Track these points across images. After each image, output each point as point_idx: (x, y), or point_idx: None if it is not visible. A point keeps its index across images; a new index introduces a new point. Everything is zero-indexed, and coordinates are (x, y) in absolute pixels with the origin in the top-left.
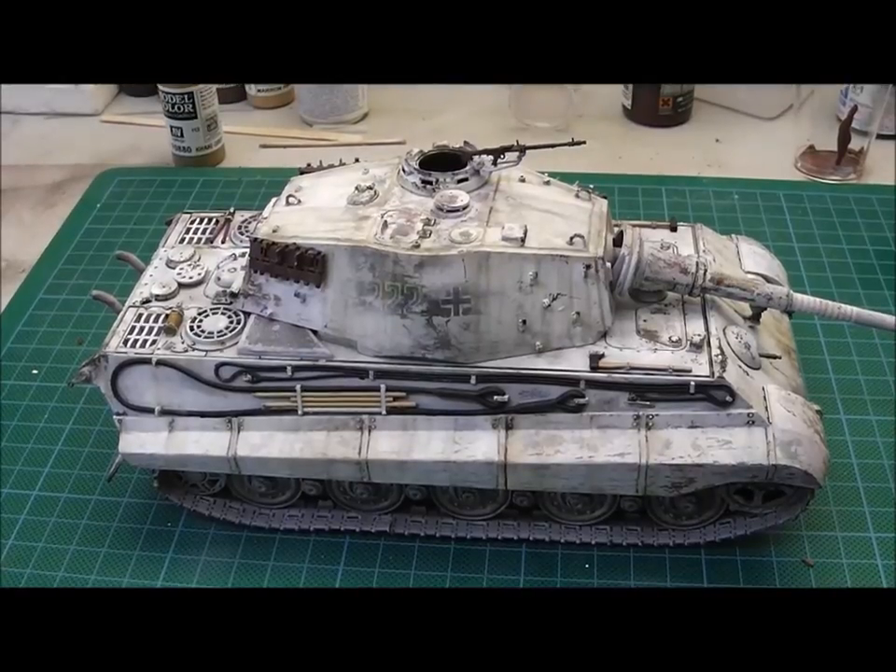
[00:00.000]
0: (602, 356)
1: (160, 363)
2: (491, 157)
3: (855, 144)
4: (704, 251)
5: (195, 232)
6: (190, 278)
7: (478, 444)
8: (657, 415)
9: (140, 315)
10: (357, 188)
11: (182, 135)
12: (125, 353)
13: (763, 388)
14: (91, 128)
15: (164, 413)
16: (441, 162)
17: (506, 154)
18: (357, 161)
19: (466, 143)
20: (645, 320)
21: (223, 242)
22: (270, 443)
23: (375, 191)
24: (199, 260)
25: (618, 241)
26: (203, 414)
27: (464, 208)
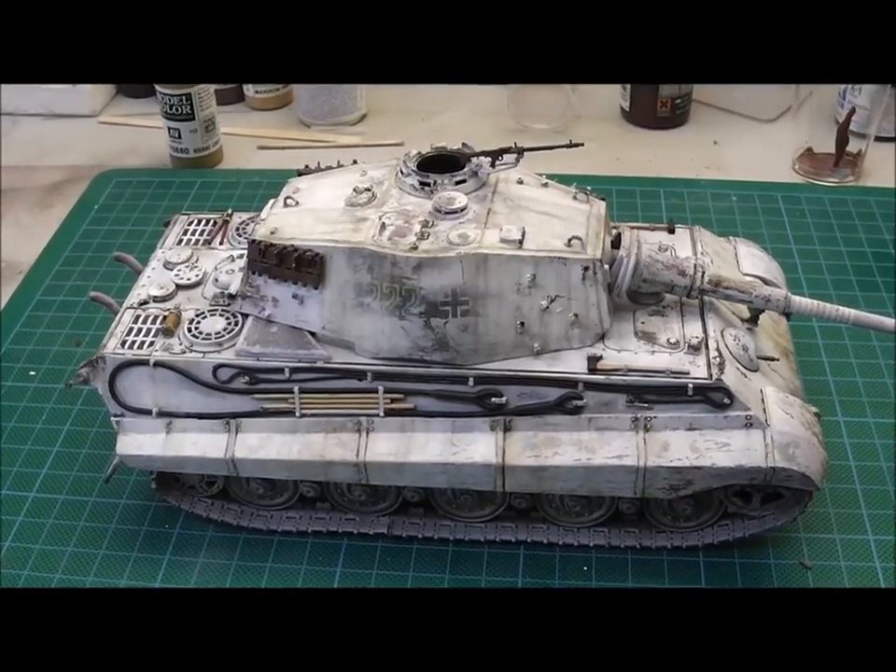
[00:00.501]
0: (600, 357)
1: (157, 364)
2: (489, 158)
3: (853, 146)
4: (702, 253)
5: (193, 234)
6: (188, 280)
7: (476, 446)
8: (655, 417)
9: (138, 317)
10: (355, 189)
11: (180, 137)
12: (123, 354)
13: (761, 390)
14: (89, 129)
15: (162, 414)
16: (440, 164)
17: (504, 156)
18: (355, 162)
19: (464, 144)
20: (643, 322)
21: (221, 243)
22: (268, 445)
23: (373, 193)
24: (197, 262)
25: (616, 243)
26: (200, 416)
27: (462, 210)
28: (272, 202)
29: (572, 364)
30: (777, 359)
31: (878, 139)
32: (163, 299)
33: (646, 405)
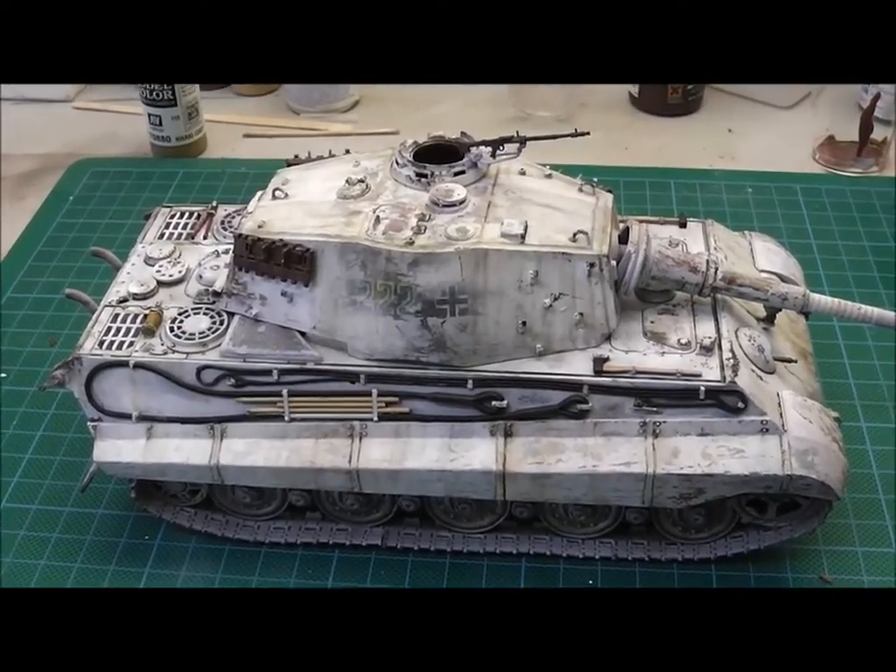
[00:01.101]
0: (606, 359)
1: (137, 366)
2: (489, 148)
3: (877, 134)
4: (715, 248)
5: (175, 227)
6: (170, 276)
7: (475, 452)
8: (665, 422)
9: (117, 316)
10: (347, 181)
11: (161, 124)
12: (101, 355)
13: (778, 394)
14: (64, 115)
15: (142, 419)
16: (437, 154)
17: (505, 145)
18: (347, 152)
19: (463, 133)
20: (652, 321)
21: (205, 237)
22: (255, 451)
23: (367, 185)
24: (179, 257)
25: (623, 237)
26: (183, 420)
27: (461, 203)
28: (259, 193)
29: (577, 366)
30: (795, 361)
31: None
32: (144, 296)
33: (655, 409)
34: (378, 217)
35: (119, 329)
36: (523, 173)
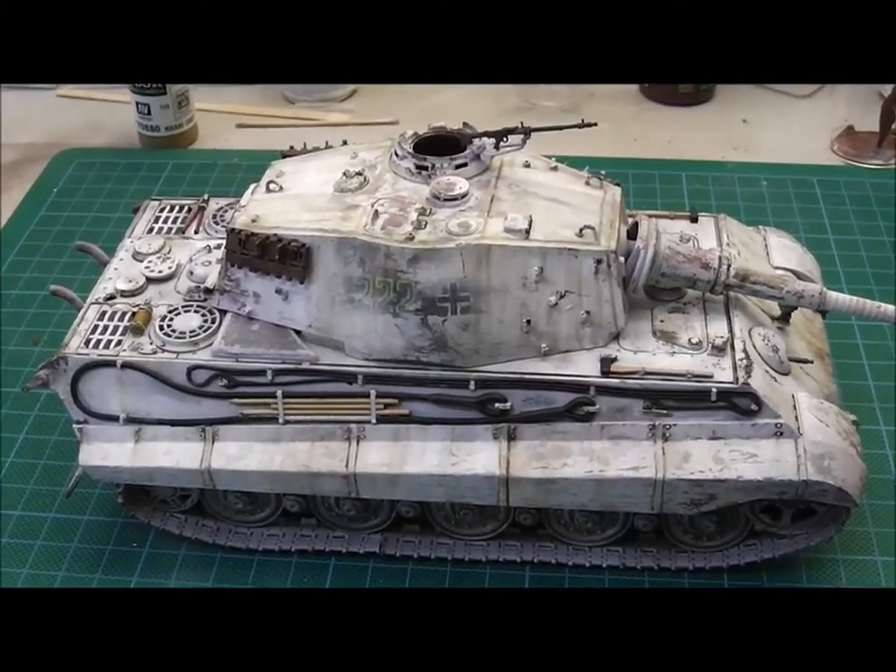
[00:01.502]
0: (614, 359)
1: (125, 366)
2: (493, 140)
3: None
4: (727, 244)
5: (165, 221)
6: (160, 272)
7: (477, 456)
8: (675, 425)
9: (104, 313)
10: (344, 173)
11: (149, 113)
12: (87, 354)
13: (793, 396)
14: (47, 103)
15: (130, 421)
16: (438, 146)
17: (509, 137)
18: (344, 143)
19: (465, 124)
20: (662, 320)
21: (196, 232)
22: (248, 455)
23: (365, 177)
24: (169, 252)
25: (632, 233)
26: (173, 423)
27: (463, 196)
28: (253, 186)
29: (583, 366)
30: (811, 362)
31: None
32: (132, 293)
33: (665, 411)
34: (377, 211)
35: (106, 328)
36: (527, 165)
